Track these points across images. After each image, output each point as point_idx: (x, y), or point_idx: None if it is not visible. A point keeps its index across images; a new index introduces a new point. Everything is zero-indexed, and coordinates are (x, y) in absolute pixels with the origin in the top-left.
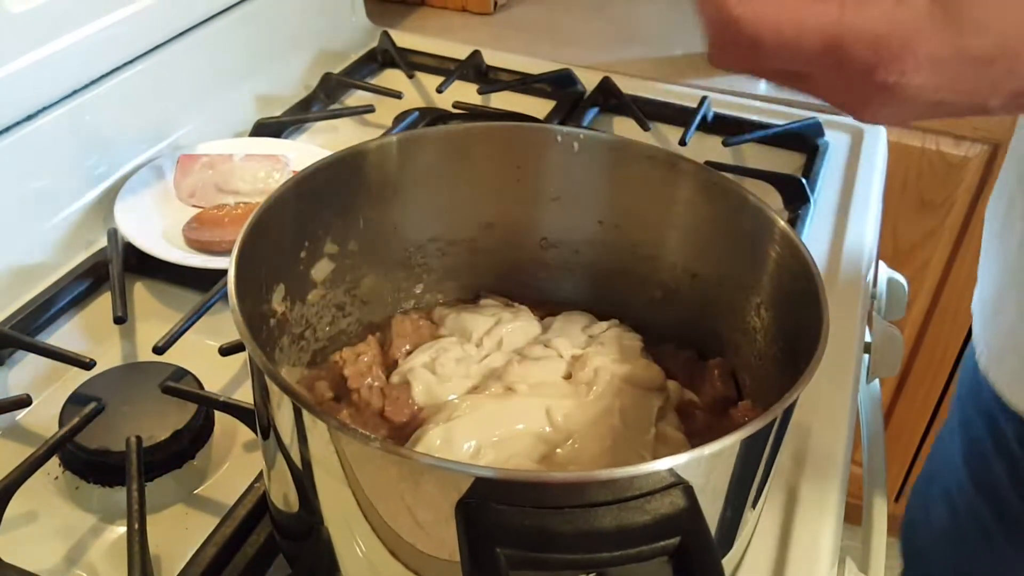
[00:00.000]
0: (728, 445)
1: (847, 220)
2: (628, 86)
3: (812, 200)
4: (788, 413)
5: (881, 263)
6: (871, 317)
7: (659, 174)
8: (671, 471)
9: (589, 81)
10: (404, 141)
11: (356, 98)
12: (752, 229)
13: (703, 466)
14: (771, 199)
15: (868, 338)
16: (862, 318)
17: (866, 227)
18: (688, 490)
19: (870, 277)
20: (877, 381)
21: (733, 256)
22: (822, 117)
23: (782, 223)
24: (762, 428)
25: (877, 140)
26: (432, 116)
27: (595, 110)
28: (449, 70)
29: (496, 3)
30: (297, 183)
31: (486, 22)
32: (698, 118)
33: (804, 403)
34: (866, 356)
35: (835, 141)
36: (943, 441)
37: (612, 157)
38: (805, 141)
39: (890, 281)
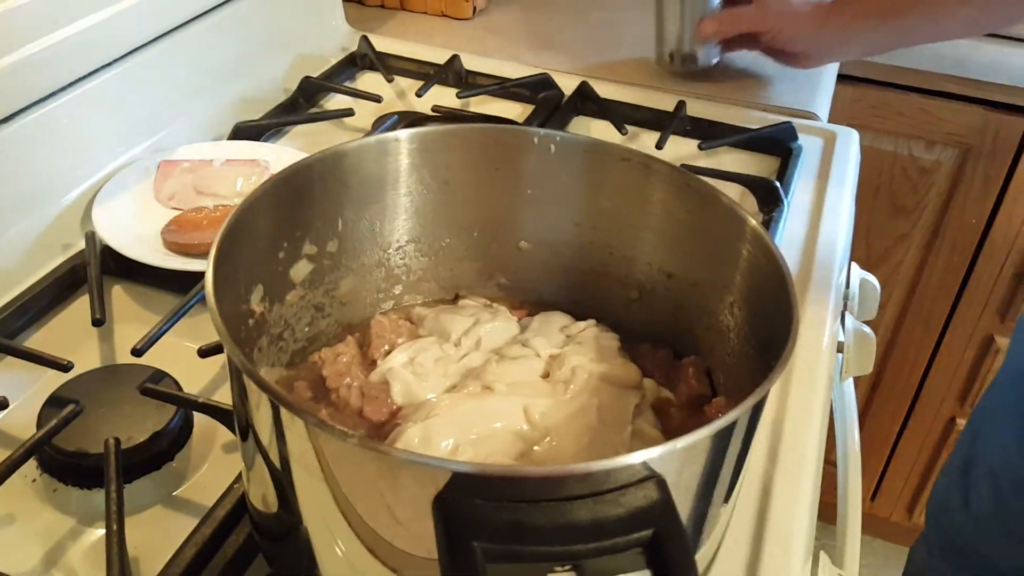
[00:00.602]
0: (700, 439)
1: (820, 222)
2: (606, 91)
3: (786, 203)
4: (758, 408)
5: (854, 264)
6: (844, 317)
7: (634, 176)
8: (644, 464)
9: (568, 86)
10: (382, 143)
11: (335, 102)
12: (724, 228)
13: (676, 460)
14: (746, 202)
15: (841, 337)
16: (834, 318)
17: (839, 229)
18: (661, 483)
19: (843, 278)
20: (851, 381)
21: (706, 256)
22: (796, 122)
23: (753, 222)
24: (732, 423)
25: (849, 144)
26: (411, 119)
27: (573, 114)
28: (428, 74)
29: (475, 8)
30: (275, 184)
31: (465, 27)
32: (675, 122)
33: (778, 401)
34: (840, 355)
35: (808, 145)
36: (982, 429)
37: (588, 159)
38: (779, 145)
39: (863, 282)
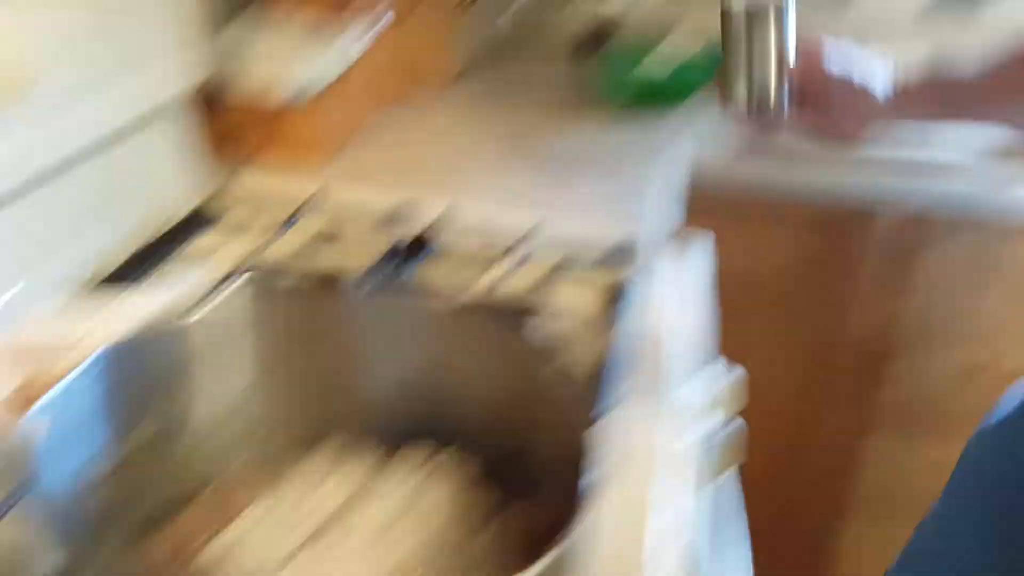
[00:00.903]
0: None
1: (672, 325)
2: (471, 213)
3: (637, 310)
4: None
5: (718, 358)
6: (708, 412)
7: (459, 321)
8: None
9: (432, 212)
10: (216, 308)
11: (197, 247)
12: (538, 366)
13: None
14: (604, 310)
15: (707, 431)
16: (694, 418)
17: (694, 329)
18: None
19: (702, 376)
20: (733, 473)
21: (538, 389)
22: (646, 229)
23: (558, 361)
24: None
25: (701, 247)
26: (260, 271)
27: (433, 243)
28: (294, 210)
29: (343, 140)
30: (99, 359)
31: (334, 158)
32: (530, 244)
33: (640, 509)
34: (708, 450)
35: (663, 251)
36: (931, 530)
37: (417, 310)
38: (633, 253)
39: (724, 376)
